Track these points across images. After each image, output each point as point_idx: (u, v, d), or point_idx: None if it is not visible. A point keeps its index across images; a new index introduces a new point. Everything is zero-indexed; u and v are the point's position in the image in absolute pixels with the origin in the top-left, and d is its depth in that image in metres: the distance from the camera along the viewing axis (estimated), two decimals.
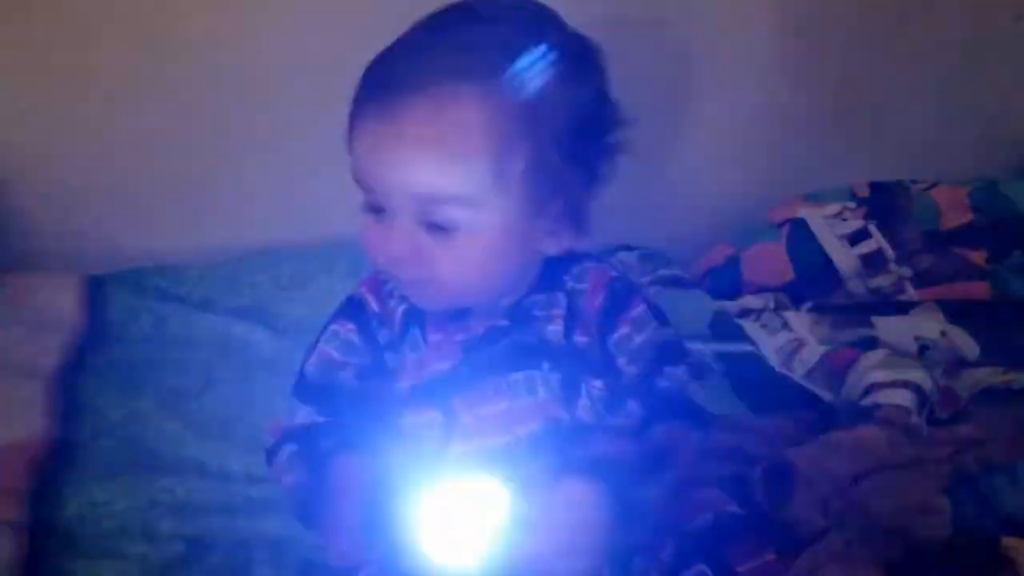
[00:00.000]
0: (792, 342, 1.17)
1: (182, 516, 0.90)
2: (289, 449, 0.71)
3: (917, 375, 1.05)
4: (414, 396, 0.71)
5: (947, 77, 1.38)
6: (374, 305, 0.74)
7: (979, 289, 1.22)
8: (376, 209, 0.67)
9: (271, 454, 0.73)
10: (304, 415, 0.73)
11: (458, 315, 0.72)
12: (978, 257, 1.25)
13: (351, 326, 0.74)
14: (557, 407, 0.70)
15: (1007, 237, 1.26)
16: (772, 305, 1.27)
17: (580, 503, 0.60)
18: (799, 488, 0.92)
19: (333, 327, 0.75)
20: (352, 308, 0.75)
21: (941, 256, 1.26)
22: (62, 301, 1.20)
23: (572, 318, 0.73)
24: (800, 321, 1.21)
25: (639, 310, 0.74)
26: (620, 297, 0.74)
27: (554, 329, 0.72)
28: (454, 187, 0.64)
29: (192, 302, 1.24)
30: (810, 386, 1.10)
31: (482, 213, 0.65)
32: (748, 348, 1.12)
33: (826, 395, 1.09)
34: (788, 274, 1.28)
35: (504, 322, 0.72)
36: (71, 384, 1.05)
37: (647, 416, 0.71)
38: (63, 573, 0.84)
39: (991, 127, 1.40)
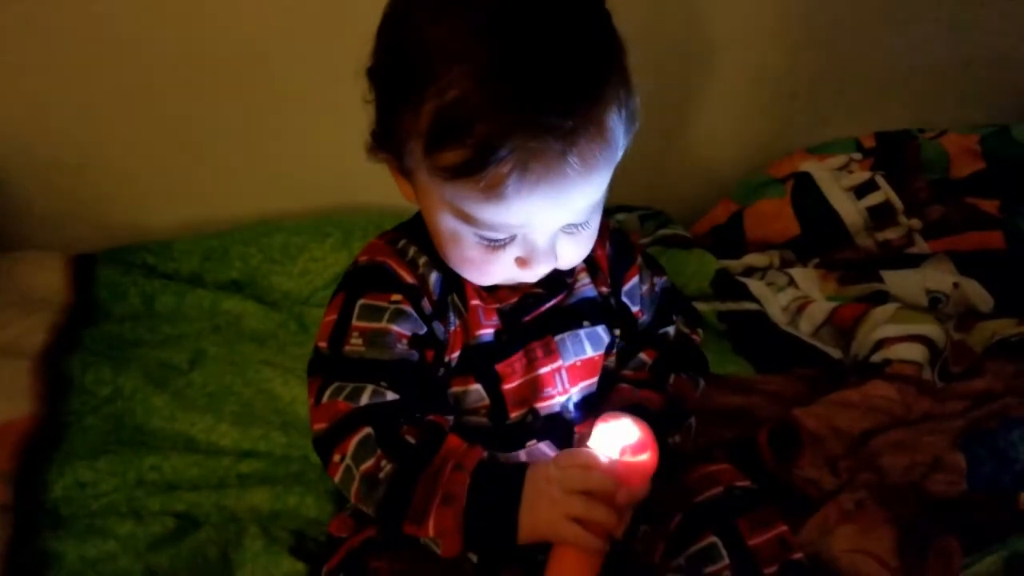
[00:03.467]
0: (798, 299, 1.13)
1: (171, 493, 0.88)
2: (364, 433, 0.63)
3: (929, 328, 1.01)
4: (460, 366, 0.70)
5: (948, 28, 1.32)
6: (406, 275, 0.68)
7: (993, 239, 1.17)
8: (495, 240, 0.63)
9: (328, 442, 0.64)
10: (373, 394, 0.64)
11: (490, 286, 0.70)
12: (991, 206, 1.21)
13: (399, 296, 0.67)
14: (600, 360, 0.73)
15: (1021, 184, 1.21)
16: (777, 263, 1.23)
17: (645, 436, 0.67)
18: (807, 448, 0.89)
19: (366, 301, 0.67)
20: (382, 279, 0.68)
21: (952, 206, 1.21)
22: (49, 280, 1.18)
23: (592, 271, 0.74)
24: (806, 277, 1.17)
25: (639, 259, 0.78)
26: (623, 247, 0.77)
27: (584, 283, 0.74)
28: (601, 194, 0.64)
29: (181, 277, 1.22)
30: (818, 344, 1.06)
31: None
32: (752, 307, 1.08)
33: (835, 352, 1.05)
34: (793, 229, 1.24)
35: (538, 289, 0.71)
36: (58, 363, 1.03)
37: (660, 366, 0.76)
38: (51, 554, 0.82)
39: (996, 74, 1.34)
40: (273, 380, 1.02)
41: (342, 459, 0.63)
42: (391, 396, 0.64)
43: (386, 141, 0.65)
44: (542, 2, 0.58)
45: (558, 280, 0.72)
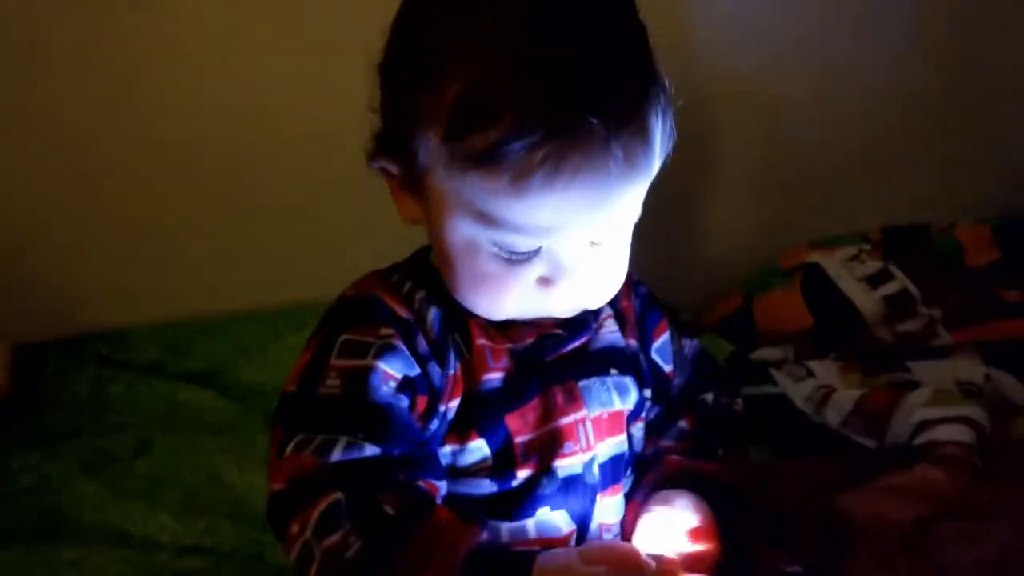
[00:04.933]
0: (820, 389, 1.02)
1: None
2: (332, 499, 0.50)
3: (973, 411, 0.91)
4: (460, 417, 0.59)
5: (956, 121, 1.31)
6: (399, 309, 0.58)
7: (1020, 327, 1.09)
8: (517, 252, 0.55)
9: (285, 507, 0.52)
10: (346, 448, 0.52)
11: (500, 324, 0.61)
12: (1012, 295, 1.13)
13: (389, 330, 0.57)
14: (631, 416, 0.64)
15: None
16: (792, 356, 1.13)
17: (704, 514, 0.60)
18: (857, 541, 0.76)
19: (349, 336, 0.57)
20: (371, 311, 0.58)
21: (973, 295, 1.14)
22: None
23: (619, 321, 0.66)
24: (826, 369, 1.07)
25: (664, 316, 0.71)
26: (650, 300, 0.70)
27: (611, 331, 0.65)
28: (637, 210, 0.57)
29: (137, 367, 1.11)
30: (848, 433, 0.95)
31: None
32: (773, 390, 0.97)
33: (868, 442, 0.94)
34: (806, 320, 1.15)
35: (558, 330, 0.62)
36: None
37: (705, 435, 0.68)
38: None
39: (1002, 167, 1.32)
40: (225, 466, 0.89)
41: (301, 531, 0.50)
42: (370, 451, 0.52)
43: (393, 142, 0.57)
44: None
45: (581, 321, 0.62)
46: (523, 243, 0.54)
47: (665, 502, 0.61)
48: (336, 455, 0.51)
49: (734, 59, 1.22)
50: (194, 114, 1.12)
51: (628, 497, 0.65)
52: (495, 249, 0.54)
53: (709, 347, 1.04)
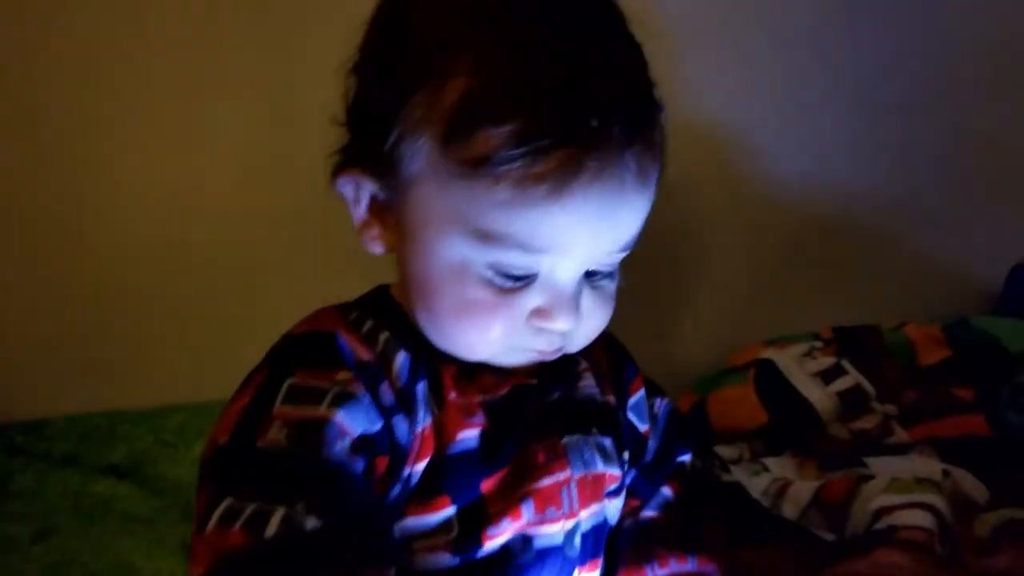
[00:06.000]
0: (776, 481, 0.98)
1: None
2: None
3: (933, 498, 0.87)
4: (426, 482, 0.51)
5: (908, 227, 1.34)
6: (361, 351, 0.50)
7: (974, 423, 1.07)
8: (516, 278, 0.50)
9: None
10: (284, 521, 0.42)
11: (471, 372, 0.54)
12: (965, 393, 1.12)
13: (348, 374, 0.48)
14: (612, 481, 0.58)
15: (992, 373, 1.14)
16: (748, 455, 1.09)
17: None
18: None
19: (298, 381, 0.47)
20: (326, 350, 0.49)
21: (926, 392, 1.12)
22: None
23: (595, 373, 0.61)
24: (783, 465, 1.04)
25: (639, 370, 0.66)
26: (620, 350, 0.65)
27: (588, 384, 0.59)
28: (640, 227, 0.53)
29: (52, 459, 1.03)
30: (806, 526, 0.90)
31: None
32: (729, 479, 0.93)
33: (826, 535, 0.89)
34: (761, 417, 1.12)
35: (532, 379, 0.56)
36: None
37: (692, 507, 0.63)
38: None
39: (954, 273, 1.34)
40: (133, 552, 0.81)
41: None
42: (312, 526, 0.42)
43: (369, 152, 0.50)
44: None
45: (560, 369, 0.57)
46: (523, 264, 0.48)
47: None
48: (271, 531, 0.42)
49: (688, 154, 1.25)
50: (107, 204, 1.10)
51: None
52: (489, 273, 0.49)
53: None
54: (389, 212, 0.52)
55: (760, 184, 1.29)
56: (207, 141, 1.10)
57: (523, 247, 0.48)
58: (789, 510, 0.94)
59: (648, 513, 0.61)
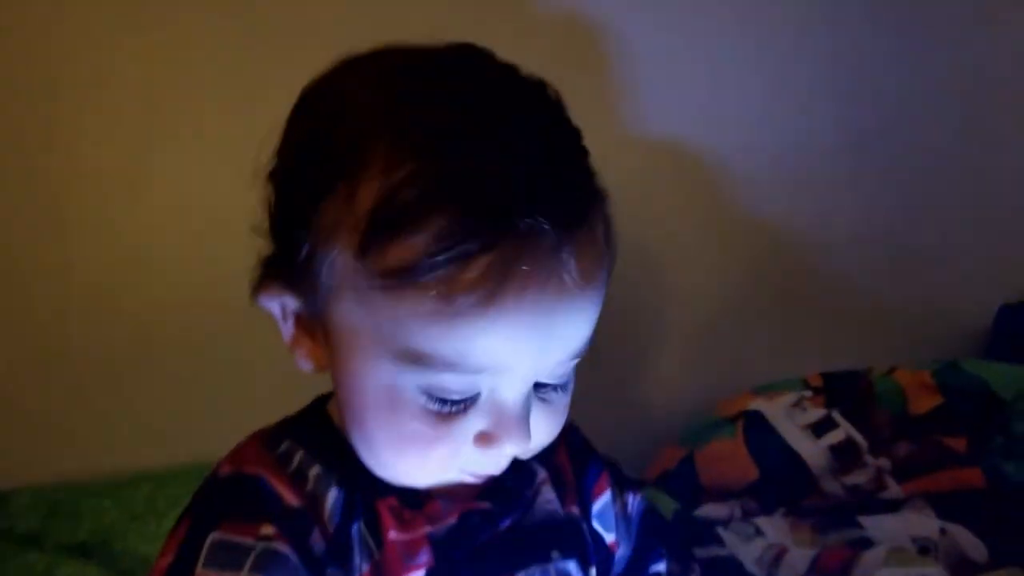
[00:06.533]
0: (771, 548, 0.95)
1: None
2: None
3: (932, 571, 0.84)
4: None
5: (893, 269, 1.32)
6: (288, 494, 0.46)
7: (970, 477, 1.05)
8: (454, 402, 0.45)
9: None
10: None
11: (415, 500, 0.49)
12: (958, 443, 1.10)
13: (271, 529, 0.45)
14: None
15: (985, 419, 1.12)
16: (739, 514, 1.06)
17: None
18: None
19: (220, 536, 0.45)
20: (251, 499, 0.46)
21: (919, 443, 1.10)
22: None
23: (556, 483, 0.55)
24: (775, 527, 1.01)
25: (604, 468, 0.60)
26: (585, 451, 0.60)
27: (549, 499, 0.54)
28: (588, 339, 0.48)
29: (14, 537, 0.97)
30: None
31: None
32: (722, 552, 0.90)
33: None
34: (752, 473, 1.10)
35: (484, 503, 0.51)
36: None
37: None
38: None
39: (944, 313, 1.32)
40: None
41: None
42: None
43: (288, 266, 0.47)
44: (518, 104, 0.45)
45: (513, 491, 0.52)
46: (459, 386, 0.44)
47: None
48: None
49: (661, 206, 1.22)
50: (67, 268, 1.05)
51: None
52: (423, 399, 0.44)
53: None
54: (316, 328, 0.48)
55: (741, 223, 1.27)
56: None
57: (456, 367, 0.43)
58: None
59: None
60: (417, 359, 0.43)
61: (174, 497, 1.01)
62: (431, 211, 0.41)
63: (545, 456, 0.54)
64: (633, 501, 0.61)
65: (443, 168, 0.42)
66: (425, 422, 0.45)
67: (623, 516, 0.60)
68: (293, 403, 0.56)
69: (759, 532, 1.00)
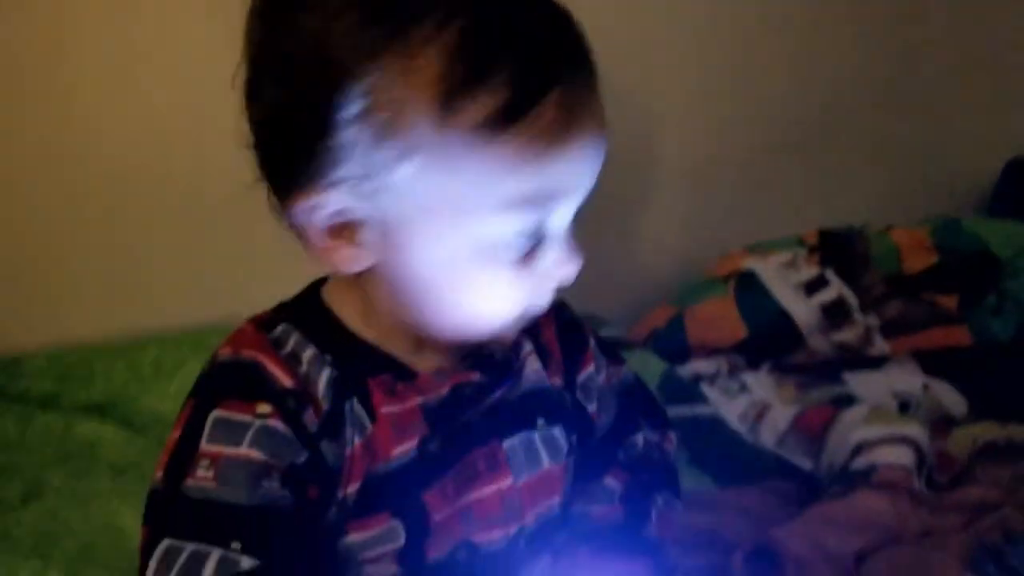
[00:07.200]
0: (755, 405, 0.99)
1: None
2: None
3: (913, 429, 0.88)
4: (365, 500, 0.50)
5: (892, 123, 1.29)
6: (282, 376, 0.48)
7: (958, 335, 1.08)
8: (532, 240, 0.48)
9: None
10: (220, 563, 0.44)
11: (408, 374, 0.52)
12: (949, 301, 1.12)
13: (267, 408, 0.47)
14: (564, 474, 0.56)
15: (978, 279, 1.13)
16: (726, 369, 1.09)
17: None
18: (794, 574, 0.72)
19: (221, 414, 0.47)
20: (248, 381, 0.48)
21: (910, 302, 1.12)
22: None
23: (543, 356, 0.57)
24: (761, 383, 1.04)
25: (591, 342, 0.62)
26: (572, 325, 0.61)
27: (535, 370, 0.56)
28: None
29: (31, 399, 1.02)
30: (784, 454, 0.92)
31: None
32: (707, 411, 0.93)
33: (804, 463, 0.91)
34: (740, 332, 1.12)
35: (474, 375, 0.53)
36: None
37: (636, 499, 0.59)
38: None
39: (941, 173, 1.30)
40: (123, 514, 0.81)
41: None
42: (247, 564, 0.44)
43: (318, 161, 0.44)
44: None
45: (502, 362, 0.54)
46: (539, 221, 0.47)
47: None
48: (208, 573, 0.43)
49: (659, 56, 1.18)
50: (81, 128, 1.03)
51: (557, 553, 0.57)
52: (512, 243, 0.47)
53: (641, 366, 1.01)
54: (356, 226, 0.47)
55: (737, 79, 1.23)
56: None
57: (541, 202, 0.46)
58: (767, 437, 0.95)
59: (594, 508, 0.59)
60: (509, 204, 0.45)
61: (180, 359, 1.04)
62: (499, 62, 0.43)
63: (534, 331, 0.56)
64: (616, 374, 0.64)
65: (492, 22, 0.43)
66: (513, 265, 0.47)
67: (606, 388, 0.62)
68: (293, 273, 0.58)
69: (744, 388, 1.04)
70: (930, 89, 1.29)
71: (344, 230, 0.47)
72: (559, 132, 0.44)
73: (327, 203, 0.46)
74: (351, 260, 0.48)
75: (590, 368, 0.61)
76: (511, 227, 0.46)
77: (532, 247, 0.48)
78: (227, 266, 1.10)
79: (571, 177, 0.47)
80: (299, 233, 0.48)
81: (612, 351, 0.65)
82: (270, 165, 0.48)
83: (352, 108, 0.43)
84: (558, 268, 0.49)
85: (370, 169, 0.44)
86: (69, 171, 1.05)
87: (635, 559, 0.56)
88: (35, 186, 1.06)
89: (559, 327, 0.60)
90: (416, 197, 0.45)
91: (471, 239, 0.46)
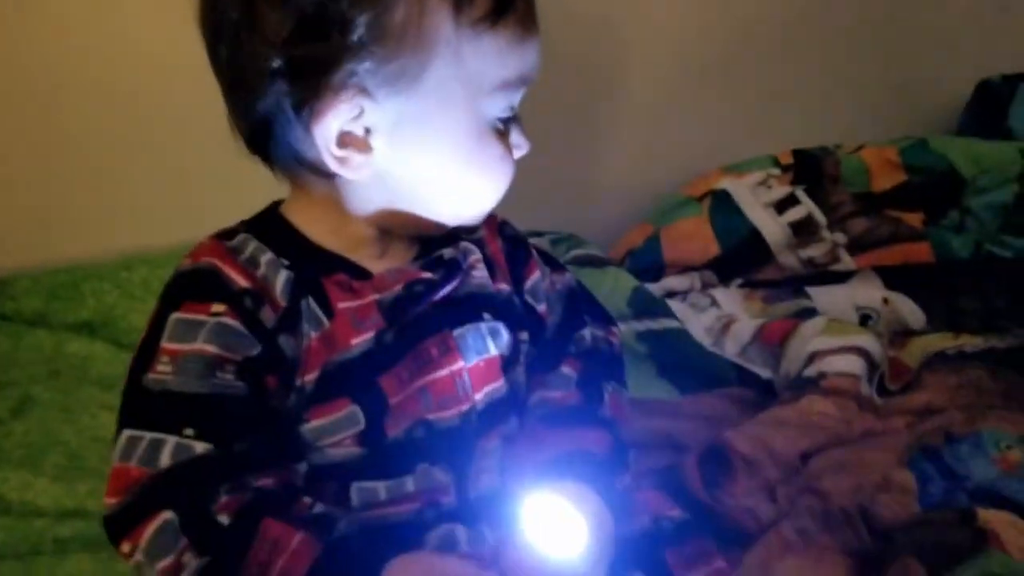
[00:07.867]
0: (721, 319, 1.03)
1: None
2: (161, 519, 0.48)
3: (865, 340, 0.92)
4: (324, 388, 0.54)
5: (868, 47, 1.29)
6: (238, 278, 0.53)
7: (920, 251, 1.11)
8: (510, 119, 0.56)
9: (116, 527, 0.49)
10: (175, 450, 0.49)
11: (360, 274, 0.57)
12: (915, 218, 1.15)
13: (222, 306, 0.52)
14: (507, 364, 0.61)
15: (943, 196, 1.15)
16: (698, 285, 1.13)
17: (595, 507, 0.56)
18: (740, 474, 0.77)
19: (180, 315, 0.52)
20: (204, 284, 0.53)
21: (876, 219, 1.15)
22: None
23: (488, 266, 0.63)
24: (730, 298, 1.08)
25: (534, 254, 0.68)
26: (516, 240, 0.67)
27: (481, 275, 0.61)
28: None
29: (22, 318, 1.05)
30: (745, 364, 0.96)
31: None
32: (673, 324, 0.97)
33: (763, 372, 0.95)
34: (713, 249, 1.15)
35: (426, 273, 0.58)
36: None
37: (590, 382, 0.64)
38: None
39: (913, 92, 1.31)
40: (111, 426, 0.84)
41: (133, 551, 0.48)
42: (202, 449, 0.49)
43: (338, 73, 0.50)
44: None
45: (451, 262, 0.59)
46: (513, 101, 0.55)
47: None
48: (165, 460, 0.48)
49: None
50: (69, 50, 1.04)
51: (512, 439, 0.61)
52: (499, 123, 0.55)
53: (613, 282, 1.05)
54: (367, 133, 0.52)
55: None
56: None
57: (517, 85, 0.54)
58: (731, 346, 0.99)
59: (551, 394, 0.63)
60: (503, 86, 0.53)
61: (165, 277, 1.07)
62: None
63: (479, 243, 0.62)
64: (559, 280, 0.69)
65: None
66: (502, 142, 0.56)
67: (551, 293, 0.68)
68: (280, 194, 0.61)
69: (714, 303, 1.07)
70: (909, 12, 1.29)
71: (353, 139, 0.52)
72: (527, 24, 0.53)
73: (349, 109, 0.51)
74: (360, 168, 0.53)
75: (536, 275, 0.66)
76: (499, 107, 0.54)
77: (511, 123, 0.56)
78: (216, 187, 1.12)
79: (533, 62, 0.54)
80: (319, 151, 0.52)
81: (554, 261, 0.70)
82: (292, 74, 0.51)
83: (379, 12, 0.49)
84: (520, 143, 0.57)
85: (398, 68, 0.50)
86: (57, 93, 1.06)
87: (592, 430, 0.61)
88: (23, 108, 1.07)
89: (503, 240, 0.66)
90: (438, 89, 0.52)
91: (476, 120, 0.54)
